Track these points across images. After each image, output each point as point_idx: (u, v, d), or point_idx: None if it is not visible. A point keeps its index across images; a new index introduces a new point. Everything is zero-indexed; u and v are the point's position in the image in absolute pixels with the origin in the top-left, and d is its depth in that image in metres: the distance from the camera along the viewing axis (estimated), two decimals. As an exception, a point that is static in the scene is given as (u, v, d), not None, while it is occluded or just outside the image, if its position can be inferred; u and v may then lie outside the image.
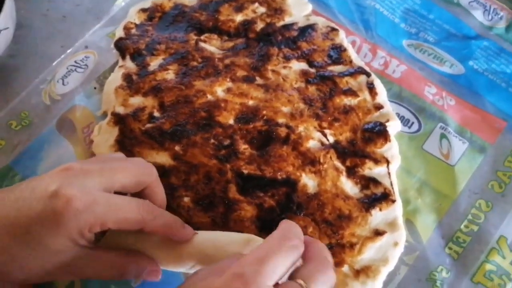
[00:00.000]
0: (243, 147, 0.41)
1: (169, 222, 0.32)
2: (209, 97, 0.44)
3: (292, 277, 0.27)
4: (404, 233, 0.38)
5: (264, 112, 0.43)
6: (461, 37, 0.47)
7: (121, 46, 0.47)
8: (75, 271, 0.31)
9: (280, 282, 0.26)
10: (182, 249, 0.32)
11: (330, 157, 0.41)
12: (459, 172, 0.41)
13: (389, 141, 0.42)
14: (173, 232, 0.32)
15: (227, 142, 0.41)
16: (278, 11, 0.49)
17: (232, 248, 0.31)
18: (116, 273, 0.32)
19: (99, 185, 0.30)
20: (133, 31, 0.48)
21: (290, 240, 0.27)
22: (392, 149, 0.42)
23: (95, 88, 0.46)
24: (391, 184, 0.40)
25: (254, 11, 0.49)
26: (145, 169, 0.33)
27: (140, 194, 0.33)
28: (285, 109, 0.43)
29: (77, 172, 0.30)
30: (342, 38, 0.47)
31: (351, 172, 0.41)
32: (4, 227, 0.28)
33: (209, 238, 0.32)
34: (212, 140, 0.41)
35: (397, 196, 0.40)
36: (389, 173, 0.41)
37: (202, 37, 0.48)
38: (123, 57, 0.47)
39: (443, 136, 0.42)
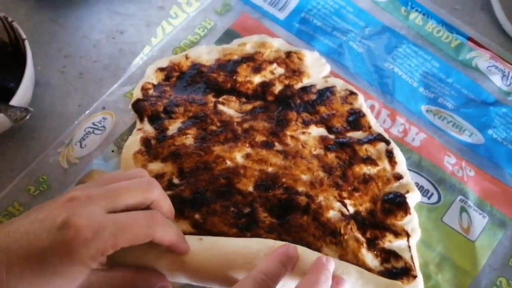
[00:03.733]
0: (263, 215, 0.42)
1: (176, 233, 0.35)
2: (228, 163, 0.45)
3: None
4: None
5: (284, 180, 0.44)
6: (479, 103, 0.49)
7: (139, 108, 0.48)
8: None
9: None
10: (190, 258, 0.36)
11: (351, 228, 0.42)
12: (479, 248, 0.42)
13: (409, 213, 0.43)
14: (179, 242, 0.35)
15: (247, 210, 0.42)
16: (296, 72, 0.51)
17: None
18: None
19: (105, 209, 0.32)
20: (151, 91, 0.49)
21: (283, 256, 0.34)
22: (412, 222, 0.43)
23: (112, 151, 0.47)
24: (412, 259, 0.41)
25: (272, 72, 0.51)
26: (148, 185, 0.35)
27: (147, 208, 0.35)
28: (305, 177, 0.45)
29: (82, 201, 0.32)
30: (361, 102, 0.49)
31: (372, 245, 0.42)
32: (20, 258, 0.30)
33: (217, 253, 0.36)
34: (232, 208, 0.42)
35: (418, 271, 0.41)
36: (409, 247, 0.42)
37: (220, 99, 0.49)
38: (141, 119, 0.48)
39: (463, 209, 0.43)
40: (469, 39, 0.51)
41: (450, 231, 0.43)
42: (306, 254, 0.37)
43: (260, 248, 0.37)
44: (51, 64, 0.52)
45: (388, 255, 0.42)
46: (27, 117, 0.42)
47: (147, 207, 0.35)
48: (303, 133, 0.47)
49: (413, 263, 0.41)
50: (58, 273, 0.30)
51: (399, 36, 0.52)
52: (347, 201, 0.44)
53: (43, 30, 0.54)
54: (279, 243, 0.38)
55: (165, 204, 0.36)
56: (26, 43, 0.45)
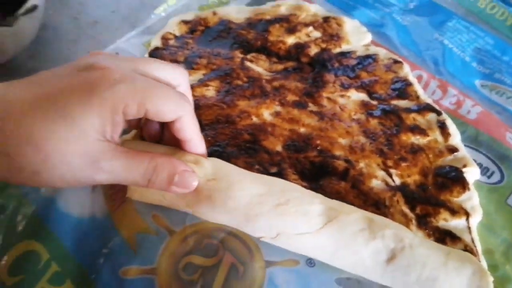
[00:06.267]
0: (292, 177, 0.36)
1: (199, 131, 0.31)
2: (254, 119, 0.39)
3: None
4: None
5: (318, 141, 0.38)
6: (542, 82, 0.44)
7: (156, 57, 0.43)
8: (102, 165, 0.26)
9: None
10: None
11: (397, 201, 0.35)
12: (556, 234, 0.35)
13: (468, 189, 0.36)
14: (200, 139, 0.31)
15: (274, 169, 0.36)
16: (335, 37, 0.46)
17: None
18: (146, 169, 0.28)
19: (133, 70, 0.28)
20: (172, 42, 0.45)
21: None
22: (472, 200, 0.36)
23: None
24: (473, 241, 0.34)
25: (307, 35, 0.46)
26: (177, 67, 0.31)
27: None
28: (343, 141, 0.38)
29: (110, 55, 0.29)
30: (407, 71, 0.44)
31: (423, 222, 0.35)
32: (24, 97, 0.25)
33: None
34: (257, 166, 0.36)
35: (481, 256, 0.34)
36: (469, 228, 0.35)
37: (248, 56, 0.44)
38: (158, 68, 0.43)
39: (532, 189, 0.37)
40: (528, 15, 0.48)
41: (517, 214, 0.36)
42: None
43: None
44: (63, 10, 0.48)
45: (444, 236, 0.34)
46: (36, 10, 0.37)
47: None
48: (342, 96, 0.42)
49: (475, 246, 0.34)
50: (67, 119, 0.24)
51: (447, 12, 0.49)
52: (392, 171, 0.37)
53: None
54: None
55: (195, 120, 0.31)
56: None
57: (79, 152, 0.25)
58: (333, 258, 0.31)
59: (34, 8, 0.38)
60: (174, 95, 0.28)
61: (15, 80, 0.26)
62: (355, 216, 0.31)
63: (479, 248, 0.34)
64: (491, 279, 0.30)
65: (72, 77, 0.25)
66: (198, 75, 0.42)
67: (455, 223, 0.35)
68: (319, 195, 0.33)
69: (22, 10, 0.38)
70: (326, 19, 0.47)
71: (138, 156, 0.28)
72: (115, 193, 0.35)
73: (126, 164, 0.27)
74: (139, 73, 0.28)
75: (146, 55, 0.44)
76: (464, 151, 0.39)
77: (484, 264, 0.33)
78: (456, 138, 0.40)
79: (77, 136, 0.25)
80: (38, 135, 0.24)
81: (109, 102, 0.25)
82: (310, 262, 0.32)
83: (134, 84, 0.26)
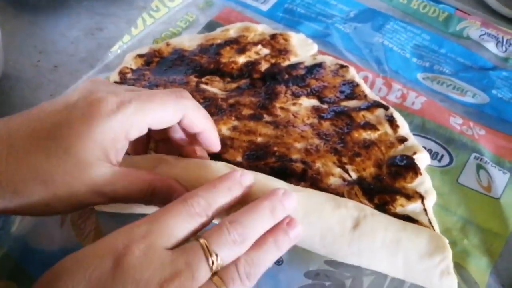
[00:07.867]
0: (254, 184, 0.37)
1: (209, 118, 0.32)
2: (213, 136, 0.40)
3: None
4: (455, 279, 0.32)
5: (276, 148, 0.39)
6: (477, 69, 0.46)
7: (115, 90, 0.45)
8: (105, 190, 0.27)
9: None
10: None
11: (355, 194, 0.37)
12: (506, 206, 0.36)
13: (420, 174, 0.38)
14: (212, 129, 0.32)
15: (236, 180, 0.37)
16: (283, 51, 0.48)
17: None
18: (146, 192, 0.29)
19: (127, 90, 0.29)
20: (129, 75, 0.47)
21: (192, 207, 0.26)
22: (425, 183, 0.38)
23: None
24: (430, 222, 0.35)
25: (257, 53, 0.49)
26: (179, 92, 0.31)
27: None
28: (299, 145, 0.40)
29: (104, 81, 0.30)
30: (353, 74, 0.46)
31: (382, 210, 0.36)
32: (25, 137, 0.25)
33: None
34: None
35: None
36: (425, 210, 0.36)
37: (203, 79, 0.46)
38: (118, 101, 0.44)
39: (479, 167, 0.39)
40: (457, 10, 0.50)
41: (469, 192, 0.38)
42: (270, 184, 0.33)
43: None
44: (24, 59, 0.50)
45: (402, 220, 0.36)
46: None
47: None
48: (294, 104, 0.44)
49: (432, 226, 0.35)
50: (69, 154, 0.25)
51: (385, 16, 0.51)
52: (348, 167, 0.39)
53: (20, 30, 0.53)
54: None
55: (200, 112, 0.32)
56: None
57: (85, 183, 0.26)
58: (304, 224, 0.31)
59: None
60: (169, 99, 0.29)
61: (14, 115, 0.27)
62: (318, 192, 0.34)
63: (436, 227, 0.35)
64: (446, 240, 0.31)
65: (69, 109, 0.26)
66: (156, 102, 0.44)
67: (412, 207, 0.36)
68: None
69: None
70: (273, 36, 0.50)
71: (138, 181, 0.28)
72: (83, 221, 0.36)
73: (128, 189, 0.28)
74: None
75: (106, 90, 0.45)
76: (413, 140, 0.41)
77: (443, 240, 0.34)
78: (404, 129, 0.41)
79: (83, 168, 0.26)
80: (45, 172, 0.25)
81: (109, 134, 0.26)
82: (278, 260, 0.33)
83: (129, 112, 0.27)
